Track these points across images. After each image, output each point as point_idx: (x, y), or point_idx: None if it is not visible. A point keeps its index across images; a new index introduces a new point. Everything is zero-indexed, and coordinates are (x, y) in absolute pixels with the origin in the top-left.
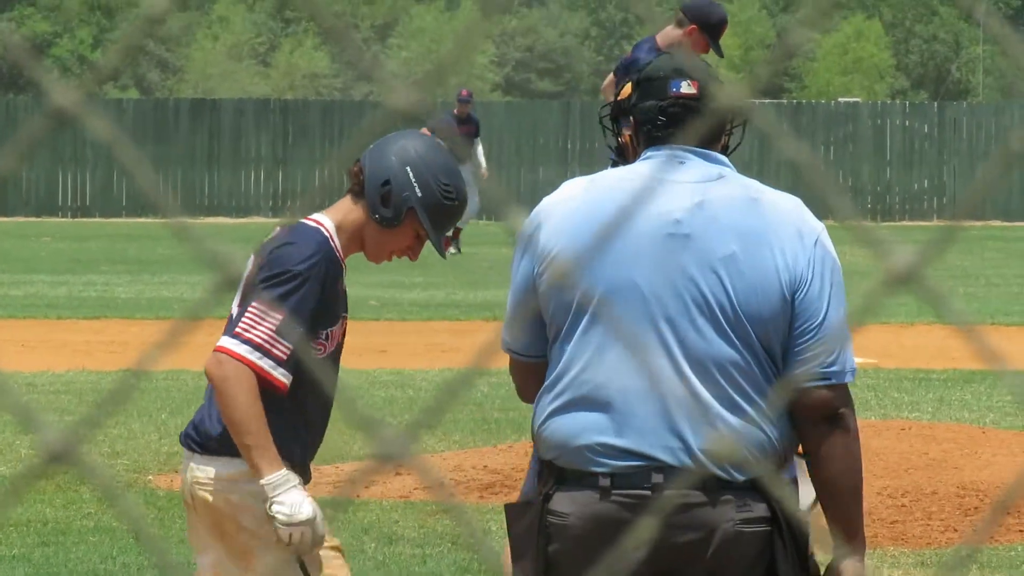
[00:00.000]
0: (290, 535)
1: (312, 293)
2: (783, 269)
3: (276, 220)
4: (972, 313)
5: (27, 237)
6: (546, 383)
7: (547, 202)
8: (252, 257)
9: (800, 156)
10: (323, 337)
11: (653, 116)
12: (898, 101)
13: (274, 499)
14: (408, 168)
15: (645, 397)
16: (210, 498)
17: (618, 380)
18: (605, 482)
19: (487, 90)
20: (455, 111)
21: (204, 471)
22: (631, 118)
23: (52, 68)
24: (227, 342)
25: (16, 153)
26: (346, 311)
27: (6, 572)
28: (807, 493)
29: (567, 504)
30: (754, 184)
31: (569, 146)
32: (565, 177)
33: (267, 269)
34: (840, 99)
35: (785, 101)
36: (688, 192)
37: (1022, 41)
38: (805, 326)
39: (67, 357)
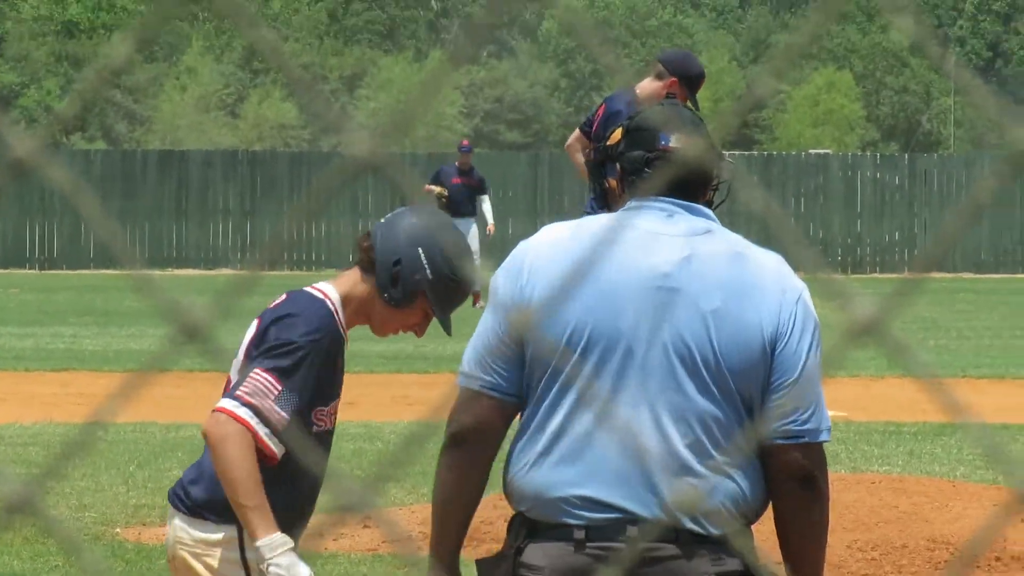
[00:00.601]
0: None
1: (312, 368)
2: (766, 324)
3: (244, 272)
4: (943, 365)
5: None
6: (524, 431)
7: (531, 245)
8: (255, 321)
9: (768, 206)
10: (322, 413)
11: (640, 166)
12: (869, 153)
13: (271, 561)
14: (420, 249)
15: (623, 450)
16: (190, 559)
17: (597, 432)
18: (579, 534)
19: (455, 141)
20: (456, 163)
21: (188, 532)
22: (617, 165)
23: (19, 119)
24: (228, 403)
25: None
26: (340, 387)
27: None
28: None
29: (540, 557)
30: (739, 239)
31: (538, 198)
32: (535, 230)
33: (270, 339)
34: (811, 151)
35: (756, 152)
36: (677, 245)
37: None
38: (782, 380)
39: (35, 409)
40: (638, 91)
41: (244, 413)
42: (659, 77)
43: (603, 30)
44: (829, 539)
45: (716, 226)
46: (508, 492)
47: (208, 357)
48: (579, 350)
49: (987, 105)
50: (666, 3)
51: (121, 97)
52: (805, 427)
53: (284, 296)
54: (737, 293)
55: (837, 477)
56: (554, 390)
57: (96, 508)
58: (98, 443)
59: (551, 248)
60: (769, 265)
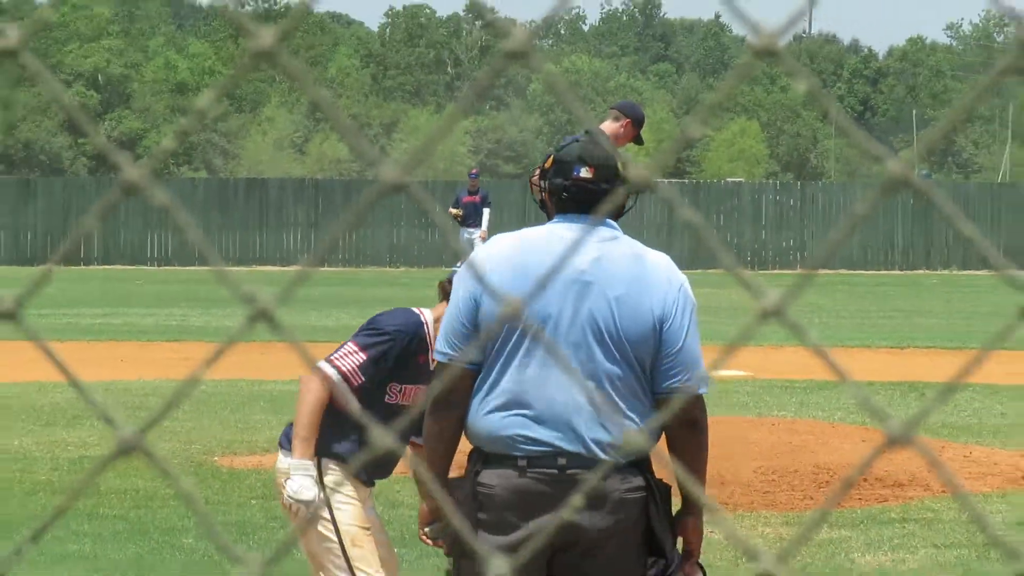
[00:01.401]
0: (290, 506)
1: (392, 352)
2: (656, 307)
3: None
4: (825, 338)
5: (124, 280)
6: (481, 389)
7: (487, 252)
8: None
9: (696, 221)
10: (396, 389)
11: (559, 191)
12: (770, 181)
13: (291, 476)
14: None
15: (554, 401)
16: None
17: (535, 389)
18: (522, 463)
19: (466, 171)
20: (468, 187)
21: (283, 462)
22: (547, 183)
23: (142, 155)
24: (323, 363)
25: (98, 215)
26: (420, 378)
27: (108, 527)
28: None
29: (493, 479)
30: (637, 244)
31: (526, 215)
32: None
33: (367, 325)
34: (728, 179)
35: (687, 181)
36: (591, 249)
37: (865, 135)
38: (669, 349)
39: (154, 370)
40: (603, 128)
41: (330, 371)
42: (615, 119)
43: (574, 89)
44: (739, 466)
45: (620, 234)
46: (468, 432)
47: (276, 332)
48: (520, 328)
49: (859, 143)
50: (621, 70)
51: (218, 139)
52: (688, 383)
53: (394, 309)
54: (635, 284)
55: (745, 420)
56: (503, 357)
57: (199, 442)
58: (200, 394)
59: (499, 254)
60: (660, 263)
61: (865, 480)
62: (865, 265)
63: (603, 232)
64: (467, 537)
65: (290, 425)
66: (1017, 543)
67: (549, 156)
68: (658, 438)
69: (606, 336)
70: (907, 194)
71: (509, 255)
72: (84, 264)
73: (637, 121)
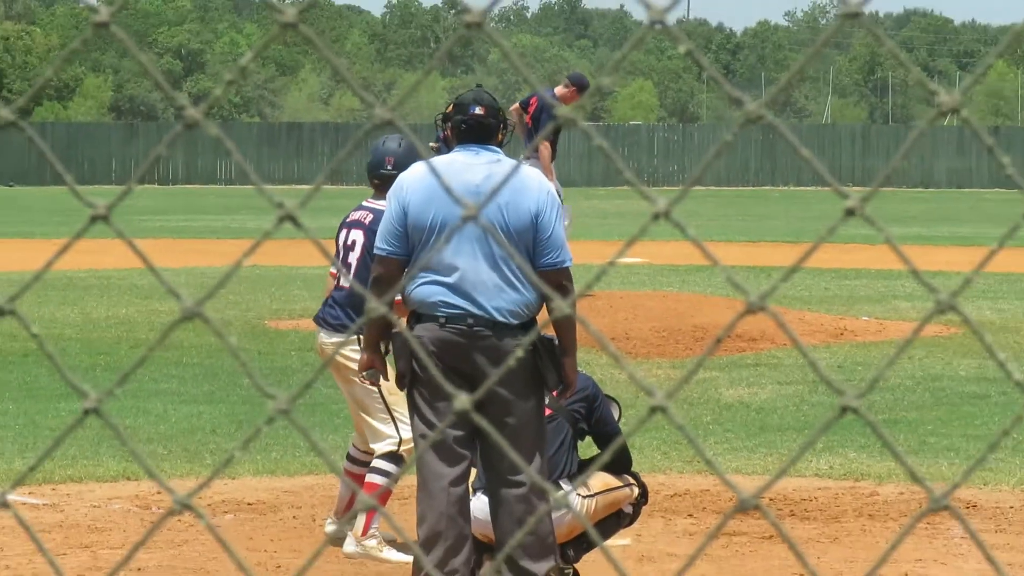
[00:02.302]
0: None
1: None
2: (532, 205)
3: (332, 186)
4: (700, 235)
5: (200, 195)
6: (413, 270)
7: (410, 175)
8: (347, 230)
9: (607, 148)
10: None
11: (459, 125)
12: (660, 123)
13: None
14: None
15: (463, 278)
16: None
17: (450, 269)
18: (443, 321)
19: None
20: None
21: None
22: (448, 124)
23: (213, 107)
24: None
25: (166, 143)
26: None
27: (188, 371)
28: (573, 494)
29: (422, 331)
30: (515, 162)
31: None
32: None
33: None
34: (630, 122)
35: (600, 123)
36: (482, 170)
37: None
38: (542, 236)
39: (221, 259)
40: (556, 89)
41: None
42: (566, 86)
43: (521, 57)
44: (639, 326)
45: (503, 156)
46: (405, 301)
47: (300, 230)
48: (439, 226)
49: (728, 90)
50: (554, 45)
51: (267, 95)
52: (556, 259)
53: (367, 212)
54: (516, 192)
55: (643, 294)
56: (427, 249)
57: (253, 310)
58: (254, 275)
59: (416, 177)
60: (532, 175)
61: (729, 336)
62: (729, 182)
63: (490, 156)
64: (435, 374)
65: (324, 306)
66: (838, 381)
67: (450, 104)
68: (539, 306)
69: (499, 231)
70: (758, 129)
71: (422, 177)
72: (172, 184)
73: (581, 88)
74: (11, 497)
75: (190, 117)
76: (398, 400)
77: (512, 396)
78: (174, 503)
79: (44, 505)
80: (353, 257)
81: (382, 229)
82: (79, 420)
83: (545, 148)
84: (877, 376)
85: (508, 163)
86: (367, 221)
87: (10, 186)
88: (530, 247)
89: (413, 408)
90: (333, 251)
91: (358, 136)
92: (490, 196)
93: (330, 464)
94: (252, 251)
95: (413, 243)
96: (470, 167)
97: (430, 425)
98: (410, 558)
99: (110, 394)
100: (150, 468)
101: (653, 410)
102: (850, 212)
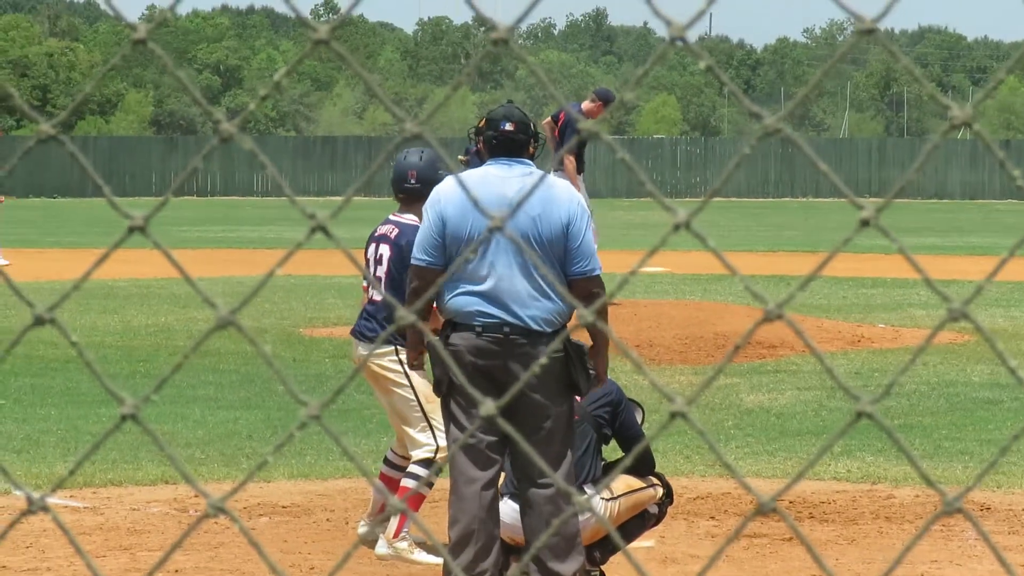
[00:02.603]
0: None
1: None
2: (563, 216)
3: (365, 199)
4: (720, 245)
5: (236, 207)
6: (450, 281)
7: (446, 187)
8: (376, 244)
9: (630, 161)
10: None
11: (490, 140)
12: (683, 137)
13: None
14: None
15: (499, 288)
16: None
17: (486, 280)
18: (479, 329)
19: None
20: (475, 142)
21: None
22: (481, 138)
23: (250, 122)
24: None
25: (202, 157)
26: None
27: (225, 378)
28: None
29: (459, 339)
30: (547, 174)
31: None
32: None
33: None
34: (653, 136)
35: (624, 137)
36: (515, 183)
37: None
38: (572, 245)
39: (257, 268)
40: (583, 106)
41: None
42: (592, 101)
43: (548, 72)
44: (662, 333)
45: (535, 169)
46: (441, 310)
47: (331, 241)
48: (472, 239)
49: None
50: (580, 61)
51: (303, 109)
52: (587, 268)
53: (393, 227)
54: (548, 204)
55: (666, 302)
56: (459, 256)
57: (289, 318)
58: (289, 284)
59: (450, 190)
60: (562, 187)
61: (749, 344)
62: (749, 194)
63: (522, 169)
64: (462, 381)
65: (360, 319)
66: (854, 388)
67: (482, 118)
68: (570, 315)
69: (532, 242)
70: (778, 142)
71: (457, 190)
72: (210, 195)
73: (607, 102)
74: (52, 500)
75: (225, 131)
76: (435, 409)
77: (545, 401)
78: (209, 506)
79: (85, 508)
80: (381, 271)
81: (420, 240)
82: (117, 425)
83: (569, 161)
84: (892, 382)
85: (538, 175)
86: (393, 235)
87: (54, 198)
88: (562, 257)
89: (448, 415)
90: (363, 263)
91: (389, 149)
92: (516, 207)
93: (361, 468)
94: (285, 261)
95: (450, 254)
96: (504, 180)
97: (465, 431)
98: (440, 560)
99: (147, 400)
100: (186, 472)
101: (673, 415)
102: (865, 223)
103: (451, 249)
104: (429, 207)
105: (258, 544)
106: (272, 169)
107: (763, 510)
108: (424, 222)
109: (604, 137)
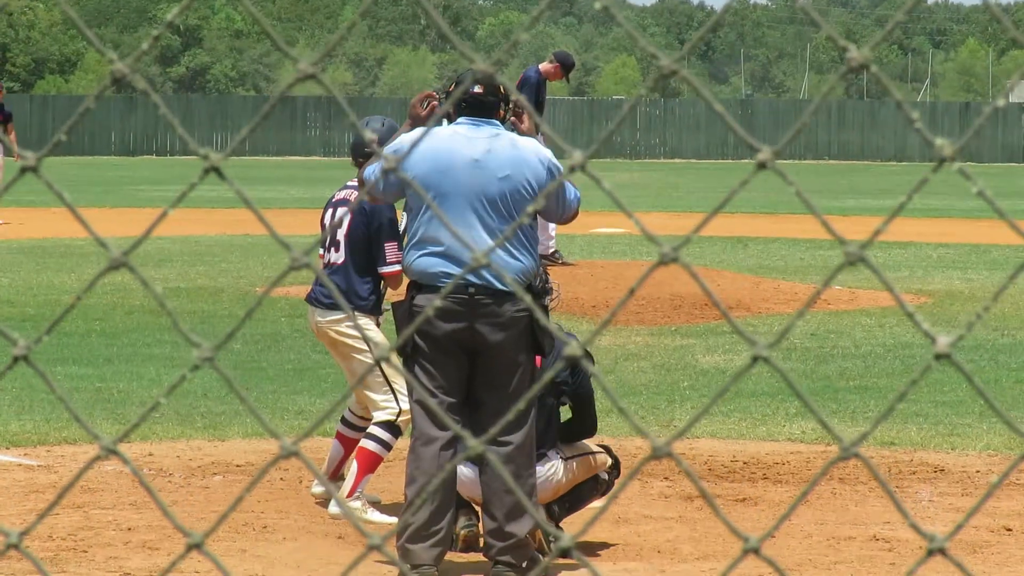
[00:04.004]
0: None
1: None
2: (531, 178)
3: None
4: (683, 207)
5: (191, 166)
6: (412, 241)
7: (412, 139)
8: (333, 209)
9: (547, 132)
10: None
11: (460, 101)
12: (644, 97)
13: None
14: None
15: (462, 249)
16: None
17: (449, 239)
18: (443, 291)
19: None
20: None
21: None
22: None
23: (210, 82)
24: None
25: (90, 101)
26: None
27: (180, 335)
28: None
29: (424, 301)
30: (514, 135)
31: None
32: None
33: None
34: (613, 96)
35: (586, 98)
36: (483, 142)
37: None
38: (552, 201)
39: (216, 227)
40: (540, 66)
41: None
42: (551, 62)
43: (510, 34)
44: (619, 293)
45: (502, 130)
46: (406, 272)
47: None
48: (437, 197)
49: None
50: (541, 22)
51: (262, 69)
52: (569, 210)
53: (352, 191)
54: (516, 165)
55: (622, 263)
56: (424, 217)
57: (245, 277)
58: (247, 244)
59: (423, 144)
60: (530, 147)
61: (704, 304)
62: (708, 156)
63: (490, 130)
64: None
65: (315, 285)
66: (750, 333)
67: (454, 80)
68: (537, 272)
69: (499, 203)
70: (737, 104)
71: (427, 148)
72: (169, 155)
73: (565, 66)
74: (5, 458)
75: (118, 71)
76: (393, 373)
77: (513, 358)
78: (101, 449)
79: (38, 466)
80: (341, 235)
81: (394, 146)
82: (9, 366)
83: (525, 121)
84: (788, 327)
85: (506, 136)
86: (353, 199)
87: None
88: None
89: (411, 376)
90: (321, 228)
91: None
92: (408, 151)
93: (267, 428)
94: (178, 202)
95: (410, 205)
96: (471, 140)
97: (427, 392)
98: (394, 519)
99: (39, 341)
100: (77, 415)
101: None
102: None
103: (411, 204)
104: (395, 146)
105: (152, 489)
106: (166, 112)
107: (657, 455)
108: (394, 146)
109: (567, 147)
